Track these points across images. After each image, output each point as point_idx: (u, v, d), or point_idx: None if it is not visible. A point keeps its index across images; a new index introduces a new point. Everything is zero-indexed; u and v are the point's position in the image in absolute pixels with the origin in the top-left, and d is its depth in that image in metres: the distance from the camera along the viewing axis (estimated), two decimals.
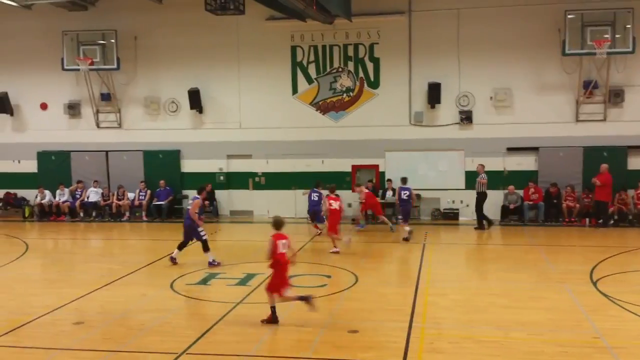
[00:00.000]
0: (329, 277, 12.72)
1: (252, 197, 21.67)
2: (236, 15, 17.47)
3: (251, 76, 21.34)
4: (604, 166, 18.44)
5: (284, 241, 9.51)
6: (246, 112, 21.45)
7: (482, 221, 18.44)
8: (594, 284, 11.77)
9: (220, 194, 21.74)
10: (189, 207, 13.93)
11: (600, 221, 18.42)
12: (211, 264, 13.62)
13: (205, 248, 13.76)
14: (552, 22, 18.93)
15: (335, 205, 15.60)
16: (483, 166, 18.58)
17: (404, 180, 17.76)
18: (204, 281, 12.52)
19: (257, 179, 21.67)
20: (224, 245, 17.04)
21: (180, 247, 13.96)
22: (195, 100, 21.35)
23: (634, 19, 17.98)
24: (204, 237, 13.76)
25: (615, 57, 18.60)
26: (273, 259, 9.43)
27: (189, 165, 22.02)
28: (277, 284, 9.45)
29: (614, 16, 18.16)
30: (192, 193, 21.55)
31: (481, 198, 18.44)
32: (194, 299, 11.33)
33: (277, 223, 9.70)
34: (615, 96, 18.98)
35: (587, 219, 18.88)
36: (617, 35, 18.18)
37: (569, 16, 18.34)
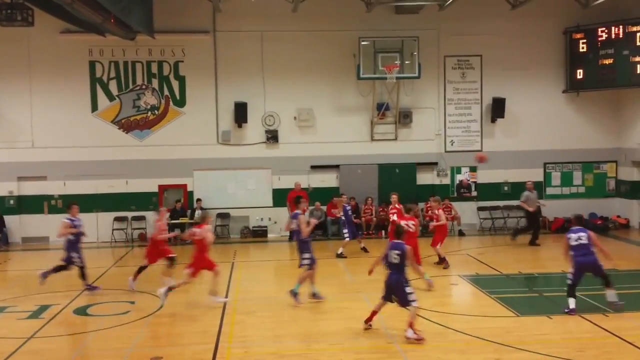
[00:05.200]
0: (132, 303, 12.19)
1: (47, 221, 20.07)
2: (26, 27, 16.22)
3: (45, 92, 19.90)
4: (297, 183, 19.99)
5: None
6: (40, 130, 19.91)
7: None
8: None
9: (10, 220, 19.87)
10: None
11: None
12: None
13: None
14: (349, 48, 20.18)
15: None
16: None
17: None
18: None
19: (53, 202, 20.14)
20: (14, 275, 15.59)
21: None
22: None
23: (419, 46, 19.78)
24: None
25: (403, 81, 20.32)
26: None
27: None
28: None
29: (402, 44, 19.80)
30: None
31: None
32: None
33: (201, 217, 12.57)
34: (405, 117, 20.74)
35: (383, 231, 20.29)
36: (406, 62, 19.86)
37: (363, 43, 19.67)
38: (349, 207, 17.31)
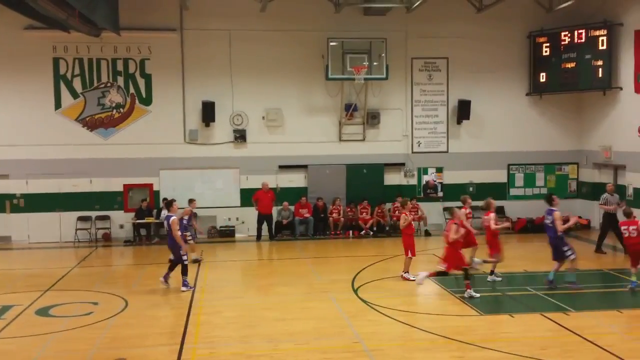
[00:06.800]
0: (95, 304, 12.01)
1: (10, 221, 19.65)
2: None
3: (7, 89, 19.43)
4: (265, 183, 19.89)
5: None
6: (1, 127, 19.41)
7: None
8: (355, 291, 12.72)
9: None
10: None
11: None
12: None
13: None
14: (317, 48, 20.18)
15: None
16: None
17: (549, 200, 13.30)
18: None
19: (15, 201, 19.71)
20: None
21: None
22: None
23: (387, 48, 19.92)
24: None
25: (371, 82, 20.39)
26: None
27: None
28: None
29: (370, 45, 19.90)
30: None
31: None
32: None
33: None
34: (372, 118, 20.84)
35: (351, 231, 20.37)
36: (374, 63, 19.96)
37: (331, 43, 19.69)
38: (194, 211, 16.54)
